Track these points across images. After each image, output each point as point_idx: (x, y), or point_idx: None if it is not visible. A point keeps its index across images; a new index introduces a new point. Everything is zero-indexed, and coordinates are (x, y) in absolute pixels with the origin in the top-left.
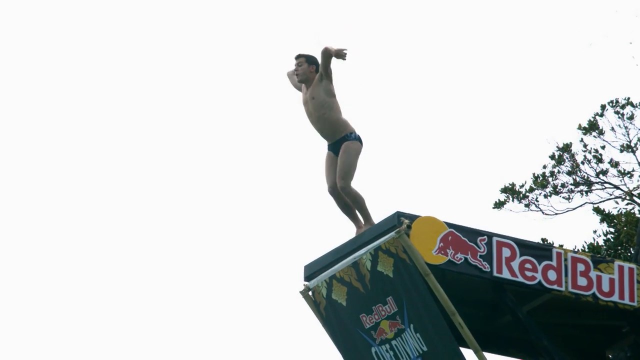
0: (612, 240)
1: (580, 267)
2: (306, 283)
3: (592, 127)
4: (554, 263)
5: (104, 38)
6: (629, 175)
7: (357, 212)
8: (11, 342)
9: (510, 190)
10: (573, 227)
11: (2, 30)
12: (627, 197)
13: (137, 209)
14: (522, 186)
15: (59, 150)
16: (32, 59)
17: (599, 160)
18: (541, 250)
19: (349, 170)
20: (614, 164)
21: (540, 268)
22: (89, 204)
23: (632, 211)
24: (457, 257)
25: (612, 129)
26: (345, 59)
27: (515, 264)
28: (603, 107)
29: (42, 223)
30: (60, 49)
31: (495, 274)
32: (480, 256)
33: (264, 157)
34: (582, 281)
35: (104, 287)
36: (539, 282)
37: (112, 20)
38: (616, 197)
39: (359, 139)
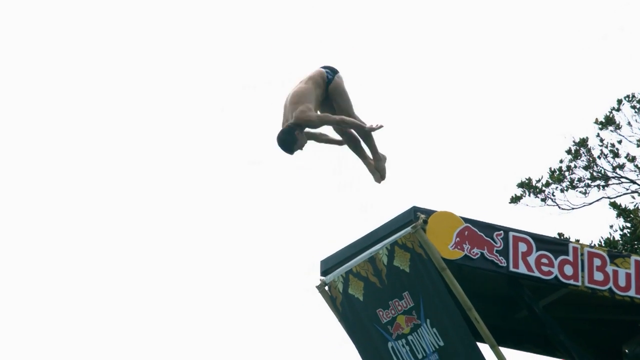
0: (628, 235)
1: (597, 262)
2: (323, 278)
3: (608, 122)
4: (570, 258)
5: (104, 38)
6: None
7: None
8: (11, 342)
9: (527, 185)
10: (589, 221)
11: (2, 30)
12: None
13: (147, 206)
14: (538, 181)
15: (59, 150)
16: (32, 59)
17: (616, 154)
18: (557, 245)
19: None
20: (631, 159)
21: (556, 263)
22: (92, 204)
23: None
24: (473, 252)
25: (629, 123)
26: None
27: (531, 259)
28: (619, 101)
29: (42, 223)
30: (61, 49)
31: (511, 268)
32: (497, 251)
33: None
34: (598, 276)
35: (110, 287)
36: (556, 277)
37: (112, 20)
38: (633, 192)
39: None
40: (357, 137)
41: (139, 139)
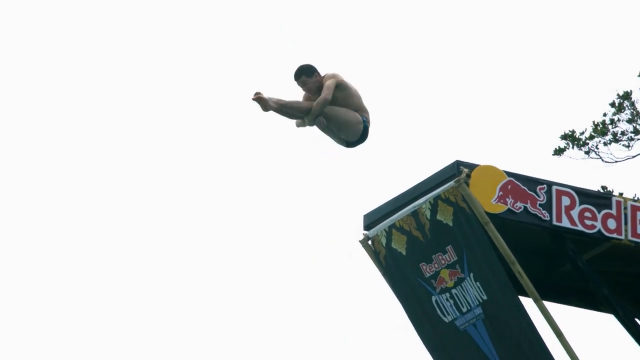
0: None
1: None
2: (366, 232)
3: None
4: (613, 211)
5: (104, 38)
6: None
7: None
8: (11, 342)
9: (570, 137)
10: (633, 175)
11: (2, 30)
12: None
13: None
14: (582, 133)
15: (59, 150)
16: (32, 59)
17: None
18: (601, 199)
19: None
20: None
21: (599, 217)
22: (94, 204)
23: None
24: (516, 206)
25: None
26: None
27: (574, 213)
28: None
29: (41, 223)
30: (61, 49)
31: (554, 222)
32: (540, 205)
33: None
34: None
35: (117, 285)
36: (599, 230)
37: (112, 20)
38: None
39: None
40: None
41: (141, 139)
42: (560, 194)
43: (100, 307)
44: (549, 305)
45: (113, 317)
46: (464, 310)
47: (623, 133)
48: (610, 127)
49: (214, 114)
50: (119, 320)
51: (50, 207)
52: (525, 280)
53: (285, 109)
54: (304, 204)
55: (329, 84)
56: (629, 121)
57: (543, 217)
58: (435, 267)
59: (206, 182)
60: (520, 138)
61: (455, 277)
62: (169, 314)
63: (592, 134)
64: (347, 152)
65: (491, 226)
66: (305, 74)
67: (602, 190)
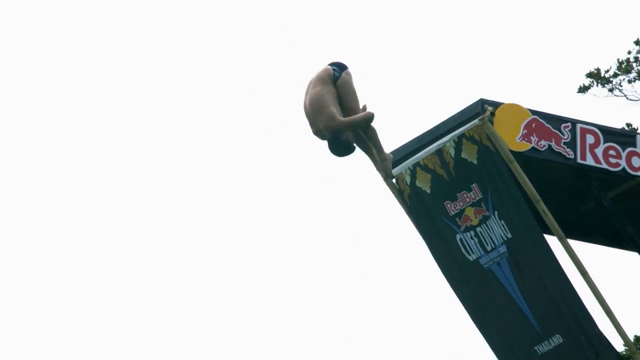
0: None
1: None
2: None
3: None
4: (638, 149)
5: (104, 38)
6: None
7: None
8: (11, 342)
9: (595, 75)
10: None
11: (2, 30)
12: None
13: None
14: (607, 71)
15: (59, 150)
16: (32, 59)
17: None
18: (625, 137)
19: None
20: None
21: (624, 155)
22: (94, 204)
23: None
24: (540, 144)
25: None
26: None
27: (599, 151)
28: None
29: (41, 223)
30: (61, 49)
31: (579, 160)
32: (564, 143)
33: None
34: None
35: (121, 283)
36: (623, 168)
37: (112, 20)
38: None
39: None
40: (363, 136)
41: (141, 140)
42: (584, 132)
43: (100, 307)
44: (573, 243)
45: (113, 317)
46: (489, 248)
47: None
48: (634, 64)
49: (214, 114)
50: (119, 320)
51: (50, 207)
52: (550, 219)
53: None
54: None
55: (336, 126)
56: None
57: (567, 155)
58: (459, 205)
59: (205, 170)
60: (544, 76)
61: (480, 215)
62: (169, 313)
63: (617, 71)
64: (371, 90)
65: (515, 164)
66: (348, 147)
67: (626, 128)
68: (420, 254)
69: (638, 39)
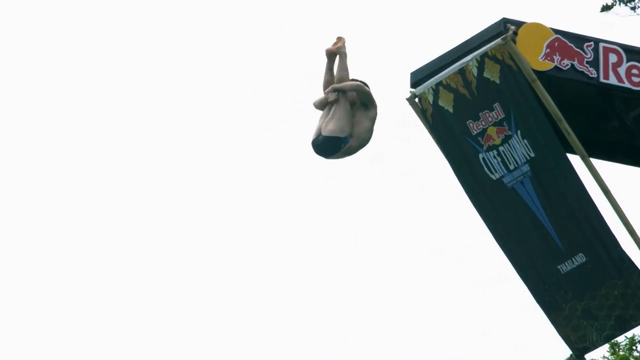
0: None
1: None
2: (413, 90)
3: None
4: None
5: (104, 38)
6: None
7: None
8: (11, 342)
9: None
10: None
11: (2, 30)
12: None
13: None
14: None
15: (60, 150)
16: (32, 59)
17: None
18: None
19: None
20: None
21: None
22: (94, 204)
23: None
24: (563, 64)
25: None
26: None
27: (622, 70)
28: None
29: (42, 223)
30: (61, 49)
31: (601, 80)
32: (587, 62)
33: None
34: None
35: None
36: None
37: (112, 20)
38: None
39: None
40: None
41: (141, 141)
42: (607, 51)
43: (100, 307)
44: (596, 162)
45: (113, 317)
46: (512, 167)
47: None
48: None
49: (214, 114)
50: (119, 320)
51: (50, 207)
52: (573, 138)
53: None
54: (352, 57)
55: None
56: None
57: (590, 75)
58: (482, 125)
59: (205, 171)
60: None
61: (503, 135)
62: (169, 313)
63: None
64: (395, 10)
65: (538, 83)
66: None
67: None
68: (420, 254)
69: None
